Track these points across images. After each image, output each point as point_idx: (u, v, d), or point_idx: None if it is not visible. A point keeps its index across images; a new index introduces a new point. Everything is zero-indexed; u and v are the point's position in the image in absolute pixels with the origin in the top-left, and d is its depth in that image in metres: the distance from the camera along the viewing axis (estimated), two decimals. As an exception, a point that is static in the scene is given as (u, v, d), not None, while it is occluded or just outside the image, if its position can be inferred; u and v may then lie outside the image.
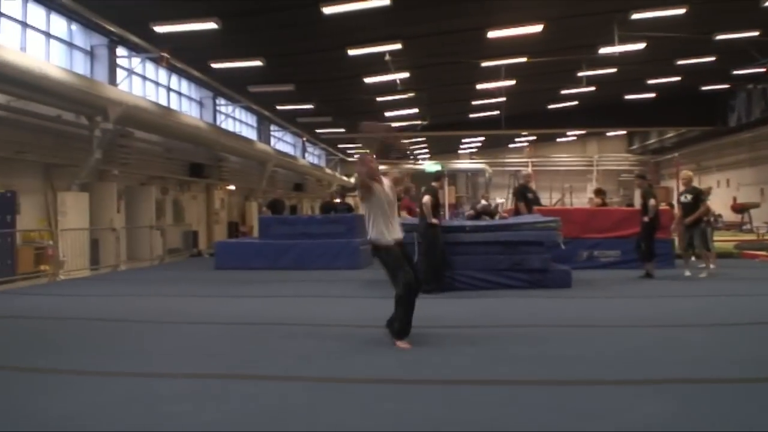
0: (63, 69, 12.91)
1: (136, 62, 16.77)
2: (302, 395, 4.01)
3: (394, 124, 27.54)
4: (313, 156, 38.37)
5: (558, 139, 39.73)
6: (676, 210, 11.28)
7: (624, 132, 38.22)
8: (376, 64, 17.74)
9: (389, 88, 20.73)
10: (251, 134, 26.75)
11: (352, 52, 16.36)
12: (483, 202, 14.21)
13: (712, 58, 20.52)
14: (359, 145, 33.54)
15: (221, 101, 23.21)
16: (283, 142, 31.09)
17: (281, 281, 10.75)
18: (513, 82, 21.50)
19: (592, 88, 23.15)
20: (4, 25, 12.48)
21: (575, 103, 27.21)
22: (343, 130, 28.92)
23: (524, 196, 11.90)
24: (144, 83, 17.95)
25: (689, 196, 10.35)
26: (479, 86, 22.04)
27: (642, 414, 3.54)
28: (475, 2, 14.50)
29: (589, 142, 40.75)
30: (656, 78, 23.65)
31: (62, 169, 13.58)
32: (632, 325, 6.31)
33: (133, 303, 8.46)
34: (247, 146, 23.90)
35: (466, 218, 11.43)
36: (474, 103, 25.86)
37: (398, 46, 16.24)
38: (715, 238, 12.14)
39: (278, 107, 24.24)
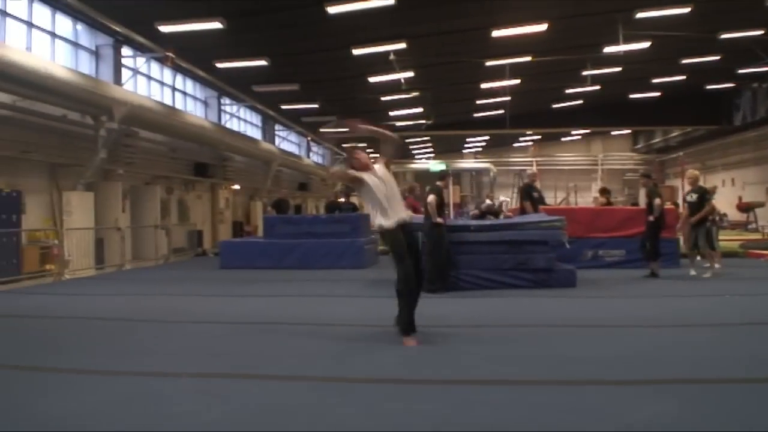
0: (68, 69, 12.95)
1: (141, 62, 16.81)
2: (307, 395, 4.00)
3: (399, 124, 27.59)
4: (317, 155, 38.40)
5: (563, 139, 39.67)
6: (681, 209, 11.25)
7: (629, 131, 38.12)
8: (381, 64, 17.75)
9: (394, 87, 20.74)
10: (256, 134, 26.76)
11: (356, 52, 16.37)
12: (488, 201, 14.21)
13: (717, 57, 20.47)
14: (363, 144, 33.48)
15: (226, 101, 23.24)
16: (287, 141, 31.12)
17: (286, 281, 10.74)
18: (518, 81, 21.49)
19: (597, 87, 23.10)
20: (9, 25, 12.54)
21: (580, 102, 27.16)
22: (347, 129, 28.84)
23: (530, 195, 11.88)
24: (149, 83, 18.00)
25: (695, 196, 10.32)
26: (484, 85, 22.03)
27: (647, 414, 3.52)
28: (479, 2, 14.50)
29: (593, 141, 40.62)
30: (661, 77, 23.60)
31: (67, 169, 13.63)
32: (637, 325, 6.29)
33: (138, 302, 8.47)
34: (252, 146, 23.93)
35: (470, 218, 11.43)
36: (478, 102, 25.83)
37: (403, 45, 16.25)
38: (720, 237, 12.09)
39: (283, 107, 24.26)
